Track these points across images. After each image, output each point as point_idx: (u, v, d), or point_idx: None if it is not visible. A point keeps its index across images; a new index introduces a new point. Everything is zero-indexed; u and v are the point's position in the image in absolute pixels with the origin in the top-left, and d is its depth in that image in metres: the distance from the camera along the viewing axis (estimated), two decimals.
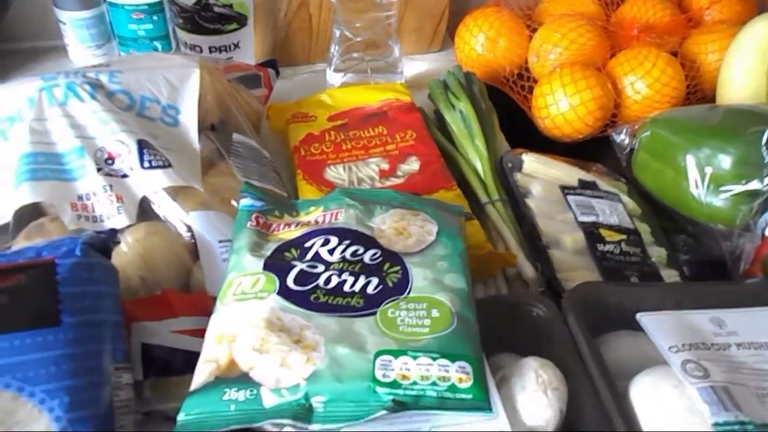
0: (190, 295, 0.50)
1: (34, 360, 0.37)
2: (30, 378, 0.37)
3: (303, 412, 0.38)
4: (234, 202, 0.56)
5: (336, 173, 0.65)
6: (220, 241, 0.51)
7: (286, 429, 0.39)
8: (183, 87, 0.59)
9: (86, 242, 0.42)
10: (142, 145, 0.54)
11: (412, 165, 0.65)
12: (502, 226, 0.61)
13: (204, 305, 0.49)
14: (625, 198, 0.67)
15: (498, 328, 0.46)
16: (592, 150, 0.78)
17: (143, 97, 0.58)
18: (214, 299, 0.49)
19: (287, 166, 0.69)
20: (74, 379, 0.38)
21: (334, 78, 0.82)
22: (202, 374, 0.40)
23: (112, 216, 0.51)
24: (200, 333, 0.48)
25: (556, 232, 0.60)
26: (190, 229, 0.53)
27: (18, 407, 0.37)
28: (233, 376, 0.40)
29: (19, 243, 0.52)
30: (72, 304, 0.40)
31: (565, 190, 0.65)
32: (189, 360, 0.47)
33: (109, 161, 0.53)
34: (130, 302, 0.47)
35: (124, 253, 0.50)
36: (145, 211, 0.54)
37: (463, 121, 0.72)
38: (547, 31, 0.81)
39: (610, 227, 0.62)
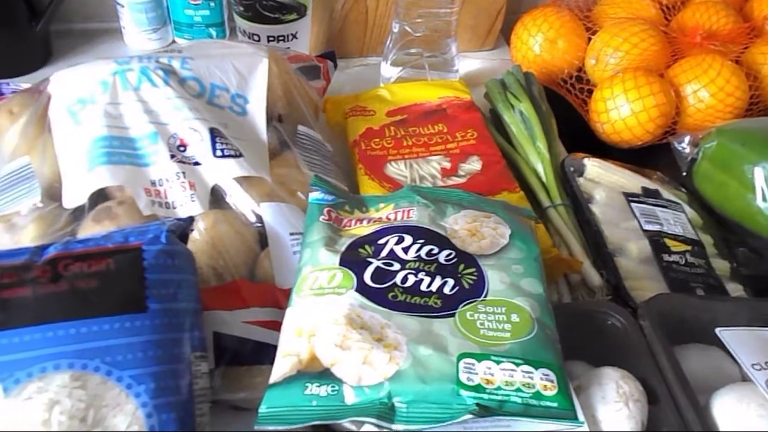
0: (260, 285, 0.50)
1: (122, 345, 0.38)
2: (118, 362, 0.37)
3: (386, 412, 0.38)
4: (300, 194, 0.56)
5: (397, 169, 0.64)
6: (291, 234, 0.51)
7: (364, 428, 0.39)
8: (251, 76, 0.59)
9: (170, 229, 0.42)
10: (214, 134, 0.54)
11: (474, 165, 0.65)
12: (566, 231, 0.60)
13: (273, 297, 0.50)
14: (687, 208, 0.66)
15: (569, 335, 0.45)
16: (647, 157, 0.77)
17: (213, 84, 0.57)
18: (283, 291, 0.50)
19: (344, 160, 0.69)
20: (159, 366, 0.38)
21: (390, 72, 0.82)
22: (283, 367, 0.40)
23: (186, 203, 0.51)
24: (270, 324, 0.48)
25: (621, 240, 0.59)
26: (258, 218, 0.53)
27: (106, 391, 0.37)
28: (314, 371, 0.40)
29: (88, 225, 0.52)
30: (157, 290, 0.40)
31: (629, 197, 0.64)
32: (259, 351, 0.47)
33: (182, 148, 0.53)
34: (204, 290, 0.47)
35: (195, 240, 0.50)
36: (214, 199, 0.54)
37: (523, 122, 0.71)
38: (608, 34, 0.80)
39: (675, 237, 0.61)
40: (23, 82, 0.74)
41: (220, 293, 0.48)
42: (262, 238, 0.53)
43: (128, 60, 0.56)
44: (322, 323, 0.41)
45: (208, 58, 0.58)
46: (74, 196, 0.51)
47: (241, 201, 0.53)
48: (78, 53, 0.85)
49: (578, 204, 0.63)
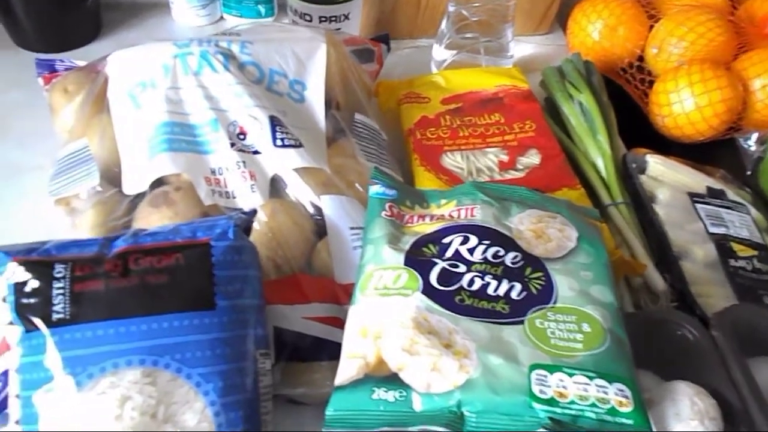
0: (320, 279, 0.49)
1: (191, 342, 0.37)
2: (187, 360, 0.37)
3: (455, 420, 0.37)
4: (358, 186, 0.55)
5: (453, 161, 0.63)
6: (351, 228, 0.51)
7: None
8: (310, 62, 0.58)
9: (237, 224, 0.41)
10: (273, 122, 0.53)
11: (533, 158, 0.63)
12: (628, 231, 0.58)
13: (332, 292, 0.49)
14: (751, 209, 0.64)
15: (637, 343, 0.44)
16: (707, 152, 0.74)
17: (272, 70, 0.56)
18: (342, 286, 0.49)
19: (396, 147, 0.67)
20: (227, 364, 0.38)
21: (443, 55, 0.80)
22: (350, 369, 0.40)
23: (246, 193, 0.50)
24: (330, 321, 0.48)
25: (685, 243, 0.57)
26: (315, 208, 0.52)
27: (175, 388, 0.37)
28: (381, 375, 0.39)
29: (144, 210, 0.52)
30: (225, 287, 0.39)
31: (694, 197, 0.62)
32: (318, 346, 0.47)
33: (241, 136, 0.52)
34: (264, 283, 0.47)
35: (254, 231, 0.49)
36: (272, 189, 0.53)
37: (582, 114, 0.69)
38: (672, 23, 0.76)
39: (741, 241, 0.59)
40: (74, 57, 0.74)
41: (280, 287, 0.48)
42: (318, 229, 0.52)
43: (188, 43, 0.55)
44: (388, 325, 0.41)
45: (266, 43, 0.57)
46: (135, 183, 0.51)
47: (299, 191, 0.52)
48: (127, 27, 0.84)
49: (640, 203, 0.61)
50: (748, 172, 0.69)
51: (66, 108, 0.60)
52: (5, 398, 0.40)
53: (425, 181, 0.60)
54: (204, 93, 0.53)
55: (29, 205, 0.62)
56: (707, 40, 0.74)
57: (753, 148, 0.68)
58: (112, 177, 0.54)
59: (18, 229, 0.59)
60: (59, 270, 0.37)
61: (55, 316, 0.36)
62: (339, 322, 0.47)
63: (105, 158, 0.55)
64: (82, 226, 0.52)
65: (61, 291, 0.37)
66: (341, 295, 0.48)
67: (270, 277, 0.49)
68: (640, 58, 0.79)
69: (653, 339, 0.46)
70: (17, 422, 0.36)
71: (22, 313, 0.37)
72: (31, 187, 0.63)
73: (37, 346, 0.36)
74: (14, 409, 0.37)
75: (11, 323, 0.37)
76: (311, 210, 0.52)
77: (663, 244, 0.57)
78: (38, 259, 0.38)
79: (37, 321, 0.36)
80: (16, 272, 0.37)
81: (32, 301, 0.37)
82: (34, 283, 0.37)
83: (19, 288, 0.37)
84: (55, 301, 0.36)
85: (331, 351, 0.45)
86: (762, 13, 0.79)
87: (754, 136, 0.68)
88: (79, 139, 0.56)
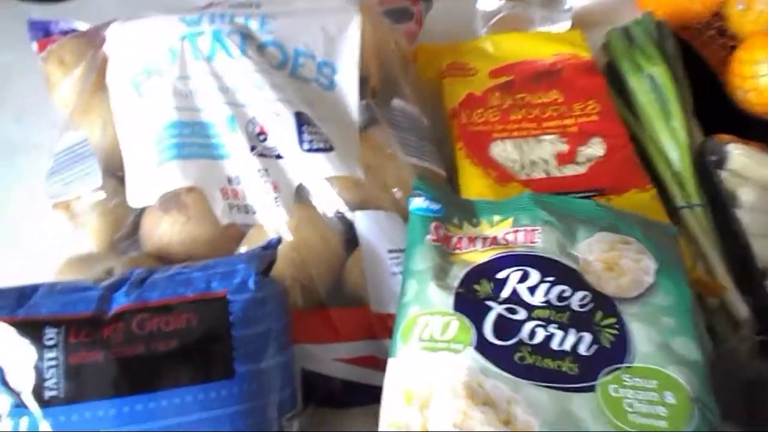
0: (352, 310, 0.43)
1: (205, 419, 0.32)
2: None
3: None
4: (396, 191, 0.48)
5: (504, 151, 0.55)
6: (390, 251, 0.44)
7: None
8: (341, 38, 0.49)
9: (260, 270, 0.35)
10: (300, 120, 0.45)
11: (596, 149, 0.55)
12: (705, 241, 0.51)
13: (367, 325, 0.43)
14: None
15: (721, 393, 0.38)
16: None
17: (297, 51, 0.48)
18: (379, 317, 0.43)
19: (437, 125, 0.59)
20: None
21: (490, 5, 0.69)
22: None
23: (268, 208, 0.44)
24: (364, 361, 0.42)
25: None
26: (343, 218, 0.45)
27: None
28: None
29: (154, 215, 0.46)
30: (245, 349, 0.34)
31: None
32: (352, 391, 0.42)
33: (262, 137, 0.45)
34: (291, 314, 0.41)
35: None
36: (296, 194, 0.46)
37: (654, 91, 0.59)
38: None
39: None
40: (70, 10, 0.66)
41: (309, 321, 0.42)
42: (347, 242, 0.46)
43: (198, 19, 0.46)
44: (437, 392, 0.35)
45: (290, 16, 0.48)
46: (141, 195, 0.44)
47: (328, 201, 0.45)
48: None
49: (718, 205, 0.53)
50: None
51: (64, 81, 0.53)
52: None
53: (471, 177, 0.53)
54: (218, 84, 0.45)
55: (25, 191, 0.56)
56: None
57: None
58: (117, 174, 0.48)
59: (12, 219, 0.54)
60: (50, 336, 0.31)
61: (47, 394, 0.31)
62: (375, 362, 0.41)
63: (108, 150, 0.49)
64: (85, 236, 0.46)
65: (53, 363, 0.31)
66: (378, 328, 0.43)
67: (296, 302, 0.43)
68: (722, 18, 0.68)
69: (740, 391, 0.39)
70: None
71: (8, 384, 0.31)
72: (28, 170, 0.58)
73: (29, 425, 0.31)
74: None
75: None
76: (341, 222, 0.45)
77: (746, 259, 0.49)
78: (27, 320, 0.32)
79: (27, 398, 0.31)
80: (2, 336, 0.32)
81: (21, 374, 0.31)
82: (22, 352, 0.31)
83: (5, 355, 0.31)
84: (47, 375, 0.31)
85: (366, 395, 0.40)
86: None
87: None
88: (79, 130, 0.49)
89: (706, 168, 0.55)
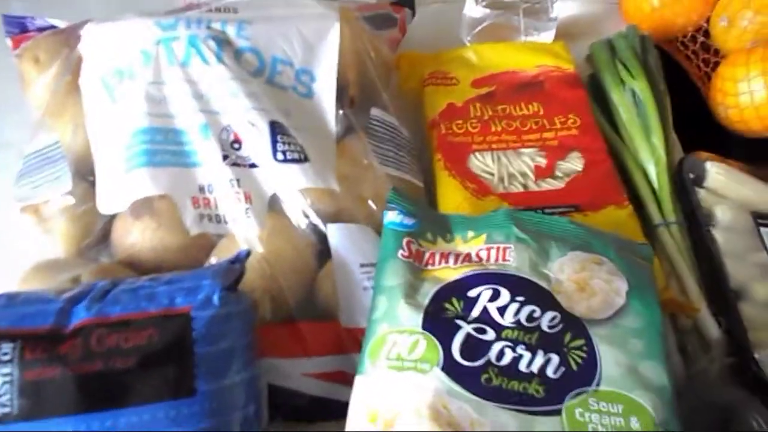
0: (322, 324, 0.43)
1: None
2: None
3: None
4: (372, 203, 0.47)
5: (482, 163, 0.54)
6: (362, 265, 0.43)
7: None
8: (320, 46, 0.49)
9: (225, 287, 0.34)
10: (275, 129, 0.44)
11: (575, 164, 0.54)
12: (680, 261, 0.51)
13: (338, 340, 0.43)
14: None
15: (687, 425, 0.38)
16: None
17: (275, 58, 0.47)
18: (349, 331, 0.43)
19: (417, 135, 0.58)
20: None
21: (476, 12, 0.69)
22: None
23: (239, 219, 0.43)
24: (333, 377, 0.42)
25: (746, 278, 0.50)
26: (316, 230, 0.45)
27: None
28: None
29: (125, 221, 0.45)
30: (207, 367, 0.33)
31: (758, 219, 0.53)
32: (320, 407, 0.41)
33: (236, 145, 0.44)
34: (259, 329, 0.40)
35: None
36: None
37: (635, 106, 0.59)
38: None
39: None
40: (51, 5, 0.64)
41: (278, 335, 0.41)
42: (319, 254, 0.45)
43: (174, 23, 0.46)
44: (401, 413, 0.35)
45: (269, 23, 0.48)
46: (111, 202, 0.44)
47: (301, 213, 0.45)
48: None
49: (694, 224, 0.53)
50: None
51: (38, 80, 0.52)
52: None
53: (449, 190, 0.52)
54: (192, 90, 0.44)
55: None
56: None
57: None
58: (87, 178, 0.47)
59: None
60: (5, 351, 0.31)
61: (1, 410, 0.30)
62: (344, 377, 0.41)
63: (79, 153, 0.48)
64: (53, 241, 0.45)
65: (8, 378, 0.30)
66: (347, 342, 0.42)
67: (266, 314, 0.42)
68: (706, 33, 0.68)
69: (709, 421, 0.40)
70: None
71: None
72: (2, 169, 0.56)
73: None
74: None
75: None
76: (313, 234, 0.45)
77: (719, 280, 0.49)
78: None
79: None
80: None
81: None
82: None
83: None
84: (0, 391, 0.30)
85: (335, 410, 0.39)
86: None
87: None
88: (50, 132, 0.48)
89: (684, 185, 0.55)
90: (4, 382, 0.30)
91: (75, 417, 0.30)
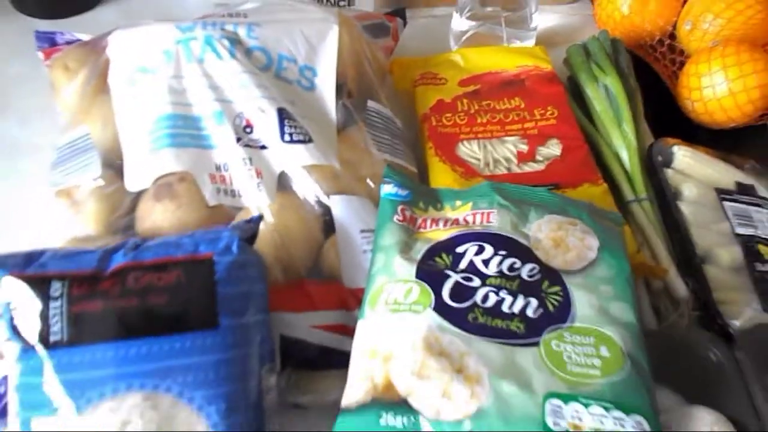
0: (328, 285, 0.48)
1: (193, 364, 0.36)
2: (189, 383, 0.36)
3: None
4: (370, 182, 0.53)
5: (469, 150, 0.60)
6: (361, 231, 0.49)
7: None
8: (321, 46, 0.55)
9: (242, 237, 0.39)
10: (282, 115, 0.50)
11: (553, 149, 0.60)
12: (650, 230, 0.56)
13: (341, 297, 0.47)
14: None
15: (656, 360, 0.42)
16: (736, 139, 0.70)
17: (281, 56, 0.53)
18: (351, 291, 0.48)
19: (411, 131, 0.64)
20: (230, 385, 0.37)
21: (462, 25, 0.75)
22: (357, 392, 0.38)
23: (252, 192, 0.48)
24: (338, 329, 0.46)
25: (710, 245, 0.55)
26: (322, 205, 0.50)
27: (178, 412, 0.36)
28: (390, 400, 0.38)
29: (148, 202, 0.50)
30: (228, 305, 0.38)
31: (721, 194, 0.59)
32: (326, 356, 0.46)
33: (248, 129, 0.50)
34: (271, 289, 0.45)
35: (260, 230, 0.48)
36: (278, 183, 0.51)
37: (608, 98, 0.65)
38: None
39: None
40: (74, 24, 0.71)
41: (287, 293, 0.46)
42: (325, 227, 0.50)
43: (192, 26, 0.52)
44: (398, 347, 0.39)
45: (275, 25, 0.54)
46: (138, 179, 0.49)
47: (307, 189, 0.50)
48: None
49: (664, 200, 0.58)
50: None
51: (67, 86, 0.58)
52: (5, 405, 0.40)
53: (440, 173, 0.58)
54: (208, 82, 0.50)
55: (28, 189, 0.60)
56: (746, 18, 0.69)
57: None
58: (116, 166, 0.52)
59: (16, 213, 0.58)
60: (56, 288, 0.36)
61: (52, 338, 0.35)
62: (347, 330, 0.45)
63: (108, 145, 0.53)
64: (84, 220, 0.50)
65: (58, 311, 0.35)
66: (350, 300, 0.47)
67: (277, 279, 0.47)
68: (672, 36, 0.74)
69: (674, 357, 0.44)
70: None
71: (17, 331, 0.35)
72: (31, 169, 0.62)
73: (35, 368, 0.35)
74: (14, 425, 0.36)
75: (8, 340, 0.36)
76: (319, 208, 0.50)
77: (686, 246, 0.55)
78: (35, 276, 0.36)
79: (34, 341, 0.35)
80: (12, 288, 0.36)
81: (28, 320, 0.35)
82: (30, 303, 0.35)
83: (14, 306, 0.36)
84: (52, 322, 0.35)
85: (339, 360, 0.44)
86: None
87: None
88: (80, 126, 0.54)
89: (654, 166, 0.60)
90: (55, 314, 0.35)
91: (116, 343, 0.35)
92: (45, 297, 0.35)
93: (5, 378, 0.41)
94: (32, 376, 0.35)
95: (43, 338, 0.35)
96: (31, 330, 0.35)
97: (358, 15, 0.64)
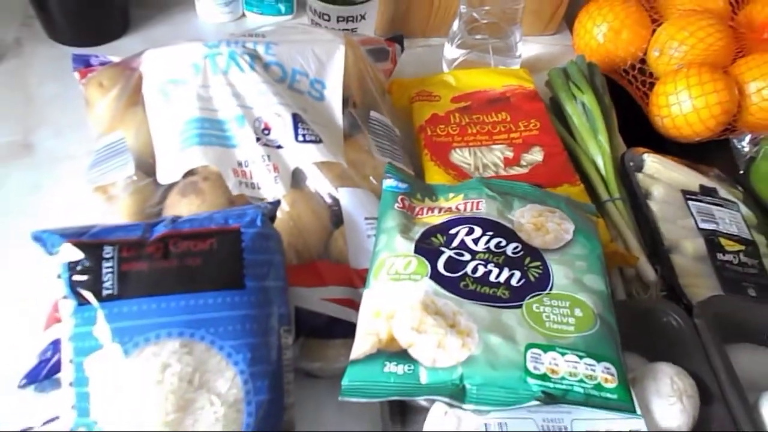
0: (337, 265, 0.54)
1: (223, 317, 0.42)
2: (220, 333, 0.42)
3: (457, 392, 0.42)
4: (372, 179, 0.59)
5: (461, 157, 0.67)
6: (366, 219, 0.55)
7: (436, 404, 0.43)
8: (329, 62, 0.62)
9: (265, 214, 0.46)
10: (296, 119, 0.57)
11: (536, 155, 0.67)
12: (623, 225, 0.62)
13: (348, 276, 0.53)
14: (742, 207, 0.68)
15: (626, 329, 0.48)
16: (704, 152, 0.78)
17: (294, 70, 0.61)
18: (357, 271, 0.54)
19: (408, 141, 0.71)
20: (255, 338, 0.43)
21: (454, 54, 0.83)
22: (364, 345, 0.44)
23: (270, 184, 0.55)
24: (345, 302, 0.52)
25: (677, 237, 0.61)
26: (332, 199, 0.56)
27: (209, 358, 0.42)
28: (393, 351, 0.44)
29: (175, 198, 0.56)
30: (253, 269, 0.44)
31: (687, 195, 0.66)
32: (334, 325, 0.51)
33: (266, 131, 0.57)
34: (287, 268, 0.51)
35: (277, 219, 0.54)
36: (292, 181, 0.57)
37: (585, 114, 0.73)
38: (674, 27, 0.80)
39: (730, 236, 0.63)
40: (105, 51, 0.78)
41: (301, 271, 0.52)
42: (335, 218, 0.57)
43: (217, 44, 0.59)
44: (399, 307, 0.45)
45: (289, 44, 0.61)
46: (169, 173, 0.55)
47: (318, 183, 0.56)
48: (154, 23, 0.88)
49: (636, 199, 0.65)
50: (741, 171, 0.73)
51: (101, 101, 0.64)
52: (56, 364, 0.45)
53: (435, 175, 0.64)
54: (231, 91, 0.57)
55: (65, 192, 0.66)
56: (707, 45, 0.77)
57: (746, 149, 0.72)
58: (146, 167, 0.58)
59: (55, 213, 0.64)
60: (108, 251, 0.42)
61: (104, 292, 0.41)
62: (353, 304, 0.51)
63: (140, 149, 0.60)
64: (119, 212, 0.56)
65: (109, 270, 0.41)
66: (356, 279, 0.53)
67: (291, 262, 0.53)
68: (642, 61, 0.82)
69: (641, 325, 0.50)
70: (70, 384, 0.41)
71: (75, 288, 0.41)
72: (67, 175, 0.68)
73: (88, 318, 0.41)
74: (68, 372, 0.41)
75: (65, 297, 0.42)
76: (329, 201, 0.56)
77: (655, 238, 0.61)
78: (89, 242, 0.42)
79: (89, 296, 0.41)
80: (71, 252, 0.42)
81: (84, 278, 0.41)
82: (86, 263, 0.41)
83: (72, 266, 0.42)
84: (104, 279, 0.41)
85: (346, 330, 0.50)
86: (761, 19, 0.82)
87: (747, 137, 0.72)
88: (115, 131, 0.60)
89: (626, 171, 0.67)
90: (107, 272, 0.41)
91: (158, 297, 0.41)
92: (99, 258, 0.41)
93: (56, 342, 0.46)
94: (85, 326, 0.41)
95: (97, 292, 0.41)
96: (87, 286, 0.41)
97: (362, 39, 0.72)
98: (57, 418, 0.45)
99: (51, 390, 0.48)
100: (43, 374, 0.47)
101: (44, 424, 0.48)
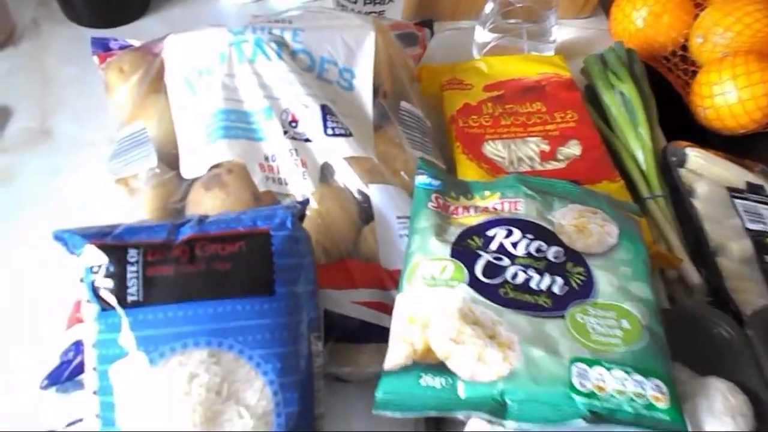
0: (367, 265, 0.52)
1: (252, 326, 0.40)
2: (249, 342, 0.40)
3: (498, 408, 0.40)
4: (403, 174, 0.57)
5: (495, 149, 0.64)
6: (398, 217, 0.53)
7: (472, 419, 0.41)
8: (359, 50, 0.59)
9: (295, 214, 0.43)
10: (324, 111, 0.54)
11: (573, 149, 0.64)
12: (665, 224, 0.59)
13: (379, 278, 0.51)
14: None
15: (673, 337, 0.46)
16: (747, 144, 0.74)
17: (323, 58, 0.58)
18: (388, 272, 0.52)
19: (438, 132, 0.68)
20: (285, 347, 0.41)
21: (485, 38, 0.80)
22: (398, 356, 0.42)
23: (297, 180, 0.52)
24: (377, 306, 0.50)
25: (722, 238, 0.58)
26: (362, 194, 0.54)
27: (238, 368, 0.40)
28: (429, 363, 0.41)
29: (198, 192, 0.54)
30: (283, 274, 0.42)
31: (732, 192, 0.62)
32: (365, 330, 0.49)
33: (294, 124, 0.54)
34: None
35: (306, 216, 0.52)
36: (321, 175, 0.55)
37: (624, 104, 0.69)
38: (719, 12, 0.76)
39: None
40: (123, 33, 0.76)
41: (330, 271, 0.50)
42: (364, 215, 0.54)
43: (242, 30, 0.56)
44: (435, 315, 0.43)
45: (317, 30, 0.58)
46: (193, 168, 0.53)
47: (347, 179, 0.54)
48: (174, 3, 0.85)
49: (678, 196, 0.62)
50: None
51: (121, 87, 0.62)
52: (78, 365, 0.44)
53: (467, 169, 0.62)
54: (258, 81, 0.55)
55: (84, 179, 0.65)
56: (754, 31, 0.73)
57: None
58: (168, 158, 0.56)
59: (74, 202, 0.63)
60: (132, 254, 0.40)
61: (129, 298, 0.39)
62: (384, 307, 0.49)
63: (162, 139, 0.57)
64: (141, 206, 0.55)
65: (134, 274, 0.39)
66: (387, 280, 0.51)
67: (319, 260, 0.51)
68: (684, 48, 0.78)
69: (689, 334, 0.47)
70: (94, 393, 0.39)
71: (98, 294, 0.39)
72: (86, 162, 0.66)
73: (113, 325, 0.39)
74: (91, 380, 0.40)
75: (88, 301, 0.40)
76: (358, 197, 0.54)
77: (700, 239, 0.58)
78: (113, 244, 0.40)
79: (113, 302, 0.39)
80: (93, 255, 0.40)
81: (108, 283, 0.39)
82: (110, 267, 0.40)
83: (95, 270, 0.40)
84: (129, 284, 0.39)
85: (377, 334, 0.48)
86: None
87: None
88: (137, 121, 0.58)
89: (669, 166, 0.64)
90: (132, 277, 0.39)
91: (185, 303, 0.39)
92: (123, 262, 0.40)
93: (78, 343, 0.45)
94: (110, 332, 0.39)
95: (121, 298, 0.39)
96: (110, 292, 0.39)
97: (390, 24, 0.69)
98: (80, 420, 0.44)
99: (73, 391, 0.46)
100: (65, 376, 0.45)
101: (68, 425, 0.47)
